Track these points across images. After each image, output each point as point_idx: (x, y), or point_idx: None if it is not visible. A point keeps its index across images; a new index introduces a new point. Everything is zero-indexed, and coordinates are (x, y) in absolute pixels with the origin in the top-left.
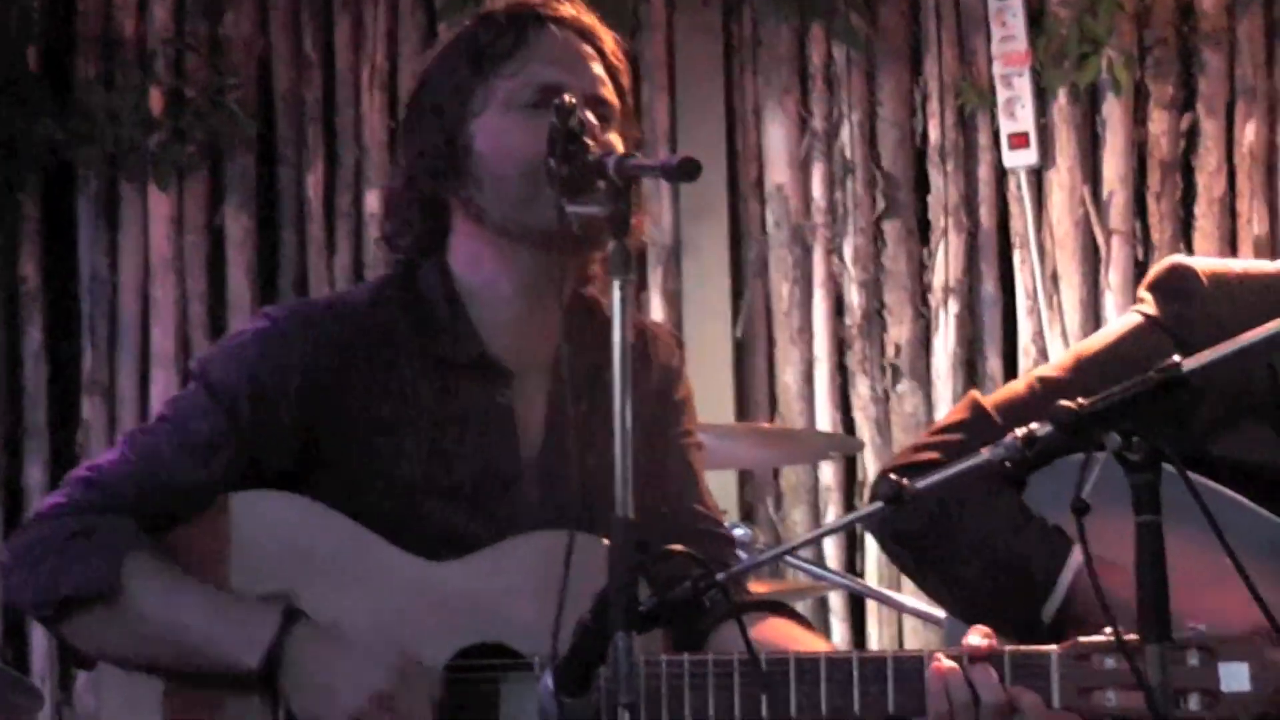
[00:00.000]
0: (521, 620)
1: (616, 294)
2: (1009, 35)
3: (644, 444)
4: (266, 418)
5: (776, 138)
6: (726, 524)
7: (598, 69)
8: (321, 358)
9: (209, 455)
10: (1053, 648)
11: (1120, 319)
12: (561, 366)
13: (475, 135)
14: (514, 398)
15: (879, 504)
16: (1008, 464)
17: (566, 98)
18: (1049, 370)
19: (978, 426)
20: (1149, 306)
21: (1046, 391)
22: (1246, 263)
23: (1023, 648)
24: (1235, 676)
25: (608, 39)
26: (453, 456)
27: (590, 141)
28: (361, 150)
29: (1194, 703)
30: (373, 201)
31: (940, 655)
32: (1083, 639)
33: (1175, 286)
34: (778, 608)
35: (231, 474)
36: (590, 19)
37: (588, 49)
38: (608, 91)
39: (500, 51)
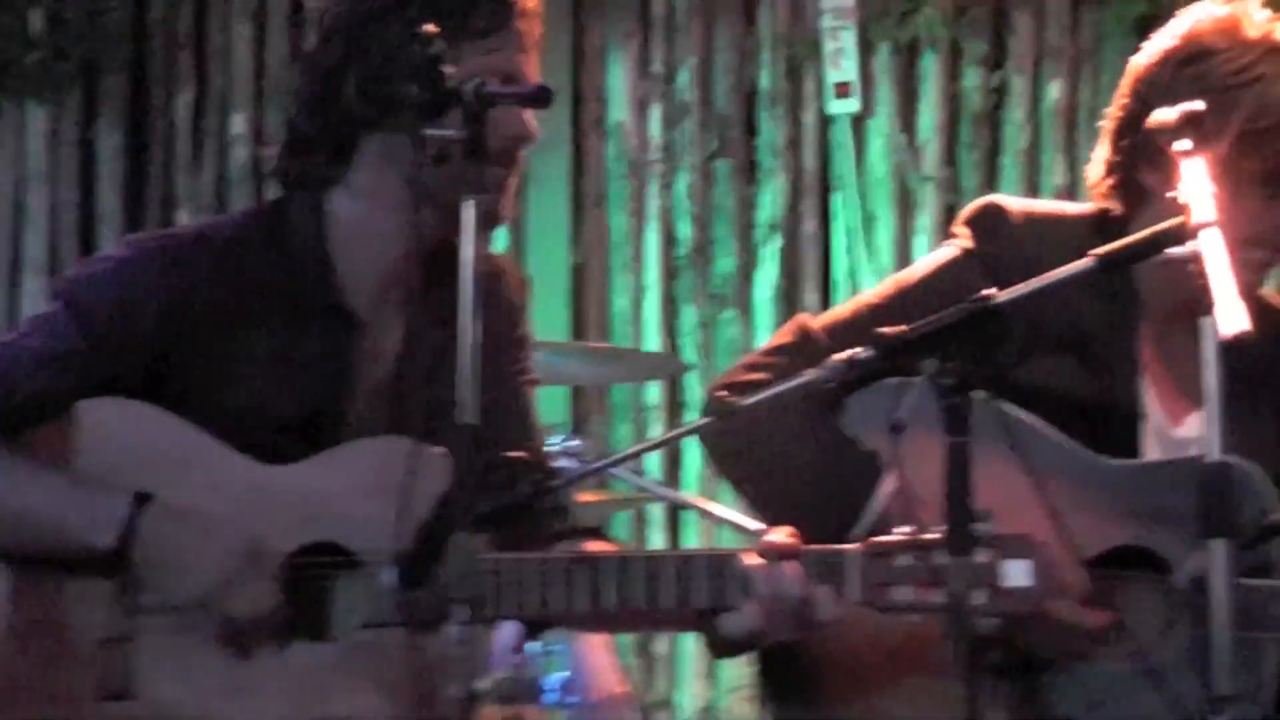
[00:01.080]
0: (357, 520)
1: (470, 213)
2: None
3: (489, 378)
4: (122, 339)
5: (618, 79)
6: (559, 436)
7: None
8: (179, 289)
9: (64, 368)
10: (852, 546)
11: (938, 251)
12: (413, 318)
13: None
14: (361, 342)
15: (707, 419)
16: (830, 384)
17: (427, 27)
18: (871, 297)
19: (804, 349)
20: (965, 240)
21: (869, 317)
22: (1053, 204)
23: (823, 546)
24: (1019, 573)
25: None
26: (285, 393)
27: (448, 70)
28: (229, 77)
29: (980, 596)
30: (238, 123)
31: (748, 553)
32: (880, 538)
33: (989, 223)
34: (596, 534)
35: (84, 387)
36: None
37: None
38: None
39: (478, 27)
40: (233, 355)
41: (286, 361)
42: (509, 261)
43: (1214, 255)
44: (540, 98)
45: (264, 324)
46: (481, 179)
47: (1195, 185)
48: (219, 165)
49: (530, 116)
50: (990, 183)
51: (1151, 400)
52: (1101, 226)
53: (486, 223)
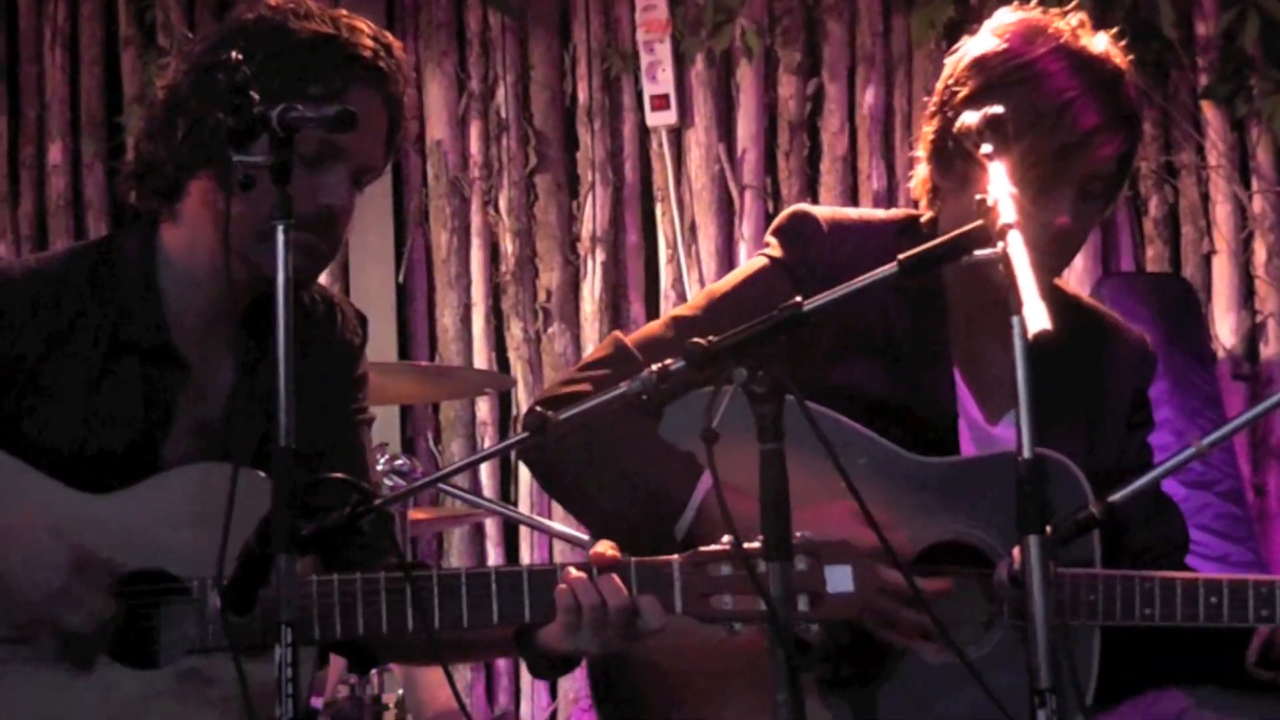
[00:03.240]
0: (180, 546)
1: (280, 237)
2: (650, 5)
3: (323, 414)
4: None
5: (436, 97)
6: (388, 455)
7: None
8: (3, 323)
9: None
10: (674, 558)
11: (748, 262)
12: (238, 351)
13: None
14: (187, 385)
15: (526, 434)
16: (644, 396)
17: (234, 55)
18: (684, 310)
19: (620, 362)
20: (774, 250)
21: (681, 329)
22: (862, 211)
23: (647, 559)
24: (840, 578)
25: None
26: (101, 431)
27: (254, 96)
28: (44, 105)
29: (803, 603)
30: (55, 153)
31: (571, 567)
32: (702, 549)
33: (797, 231)
34: (419, 565)
35: None
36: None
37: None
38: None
39: (314, 93)
40: (51, 391)
41: (104, 399)
42: (346, 301)
43: (1018, 255)
44: (343, 120)
45: (86, 360)
46: (289, 205)
47: (999, 187)
48: (37, 195)
49: (345, 189)
50: (810, 189)
51: (965, 399)
52: (908, 230)
53: (298, 281)
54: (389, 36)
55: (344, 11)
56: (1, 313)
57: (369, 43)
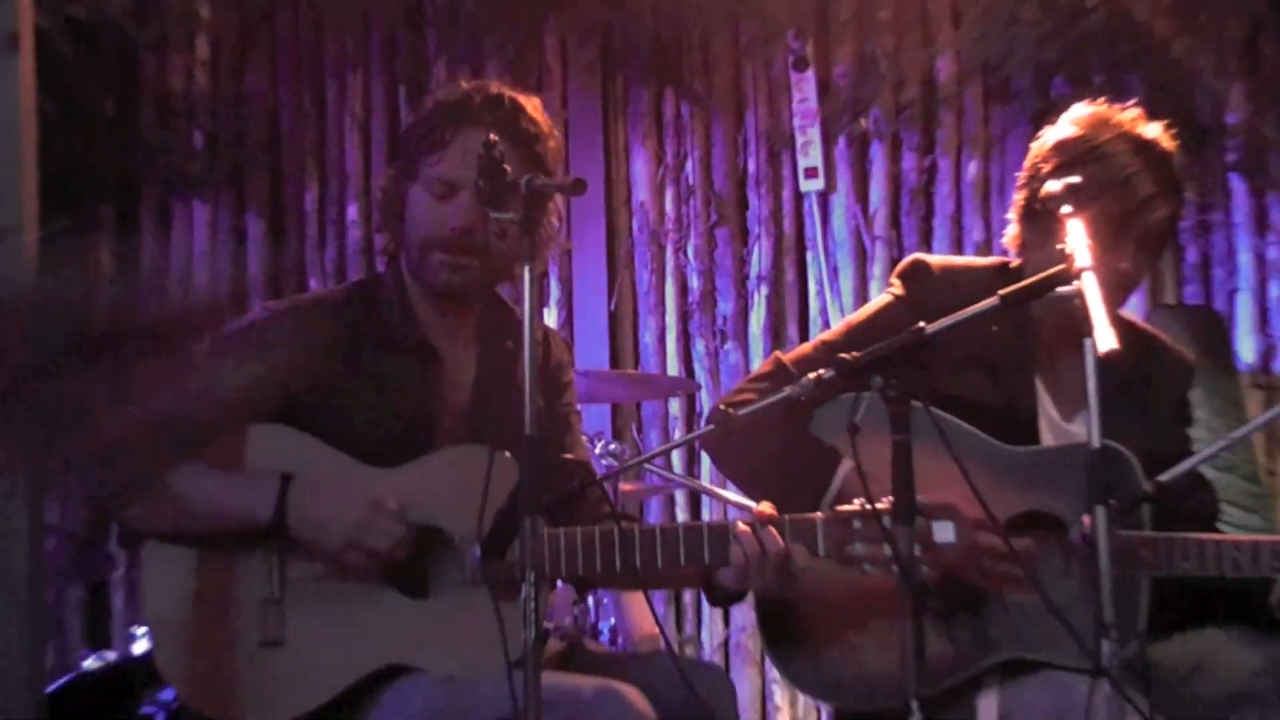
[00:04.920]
0: (445, 509)
1: (526, 276)
2: (804, 98)
3: (545, 411)
4: (264, 380)
5: (640, 168)
6: (603, 442)
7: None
8: (306, 341)
9: (222, 404)
10: (818, 514)
11: (877, 298)
12: (484, 349)
13: (407, 197)
14: (442, 374)
15: (711, 427)
16: (802, 399)
17: (491, 136)
18: (828, 335)
19: (779, 376)
20: (897, 289)
21: (827, 349)
22: (967, 259)
23: (797, 515)
24: (944, 532)
25: (529, 114)
26: (392, 411)
27: (508, 168)
28: (344, 175)
29: (916, 550)
30: (352, 212)
31: (740, 522)
32: (840, 508)
33: (915, 275)
34: (630, 518)
35: (237, 415)
36: (515, 113)
37: (500, 134)
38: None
39: (427, 143)
40: (347, 385)
41: (387, 387)
42: (556, 333)
43: (1091, 292)
44: (576, 187)
45: (369, 362)
46: (536, 249)
47: (1076, 239)
48: (339, 243)
49: (461, 213)
50: (925, 242)
51: (1046, 402)
52: (1003, 273)
53: (451, 289)
54: (519, 96)
55: (480, 83)
56: (314, 330)
57: (487, 103)
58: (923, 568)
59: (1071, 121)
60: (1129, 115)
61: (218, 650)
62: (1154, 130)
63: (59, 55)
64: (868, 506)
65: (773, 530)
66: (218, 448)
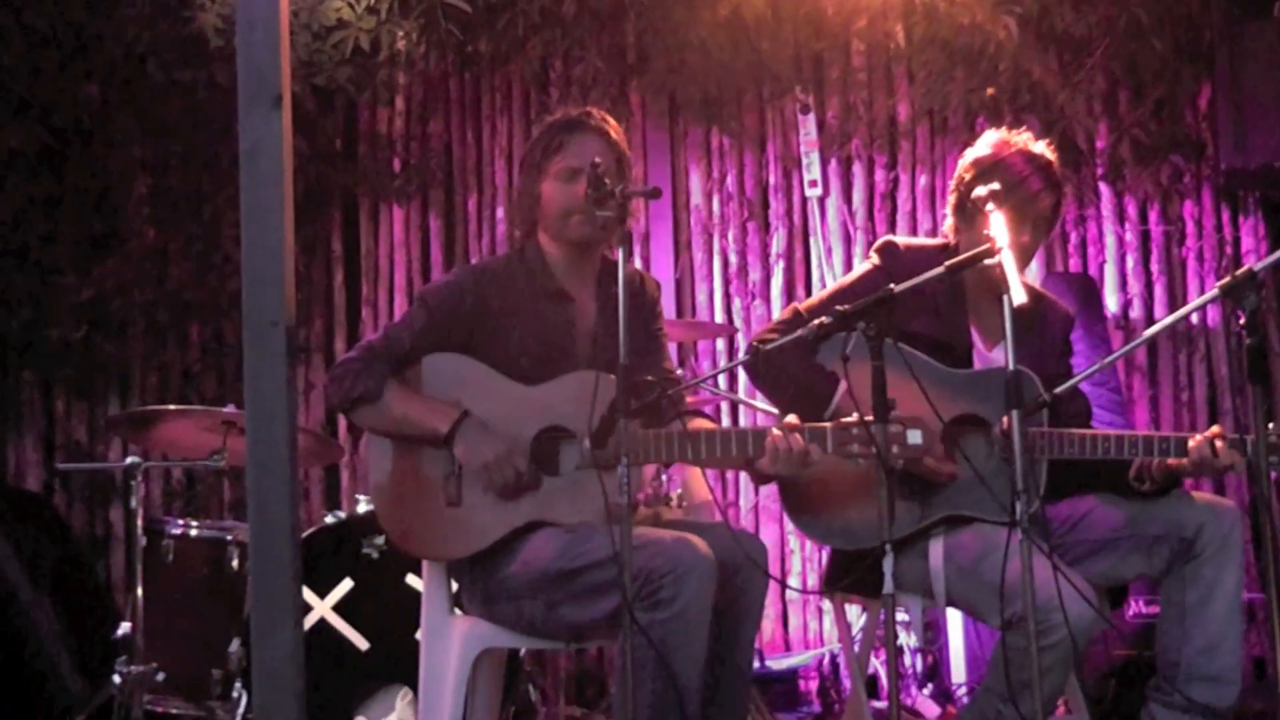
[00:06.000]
0: (571, 414)
1: (621, 255)
2: (808, 132)
3: (640, 330)
4: (451, 321)
5: (695, 182)
6: (675, 365)
7: (605, 153)
8: (480, 290)
9: (419, 335)
10: (827, 424)
11: (860, 266)
12: (602, 293)
13: (541, 189)
14: (574, 310)
15: (746, 357)
16: (810, 338)
17: (595, 159)
18: (826, 292)
19: (796, 320)
20: (875, 260)
21: (828, 301)
22: (922, 239)
23: (813, 423)
24: (914, 437)
25: (613, 133)
26: (539, 339)
27: (607, 180)
28: (495, 187)
29: (895, 449)
30: (499, 213)
31: (773, 428)
32: (842, 419)
33: (887, 250)
34: (700, 414)
35: (431, 346)
36: (602, 123)
37: (600, 142)
38: (609, 164)
39: (552, 147)
40: (508, 322)
41: (538, 320)
42: (649, 276)
43: (1007, 263)
44: (654, 193)
45: (524, 302)
46: (628, 238)
47: (996, 228)
48: (492, 235)
49: (579, 189)
50: (891, 230)
51: (975, 338)
52: (945, 250)
53: (625, 241)
54: (607, 116)
55: (584, 108)
56: (485, 285)
57: (588, 118)
58: (898, 462)
59: (984, 144)
60: (1022, 137)
61: (416, 508)
62: (1039, 146)
63: (306, 110)
64: (861, 418)
65: (797, 435)
66: (414, 368)
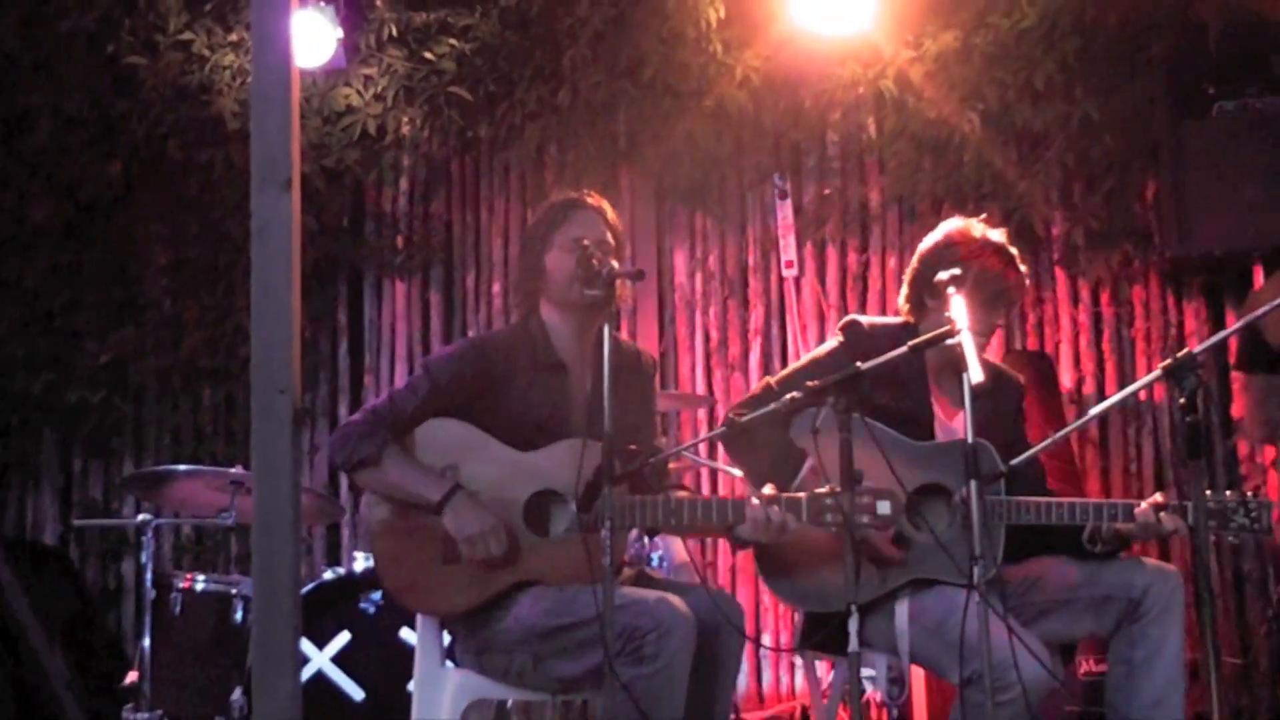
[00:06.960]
0: (561, 478)
1: (607, 331)
2: (785, 216)
3: (635, 406)
4: (454, 389)
5: (680, 261)
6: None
7: (603, 230)
8: (482, 361)
9: (426, 404)
10: (802, 494)
11: (825, 344)
12: (598, 366)
13: (547, 260)
14: (570, 381)
15: (723, 429)
16: (782, 412)
17: (585, 240)
18: (799, 364)
19: (768, 394)
20: (840, 338)
21: (797, 375)
22: (885, 319)
23: (788, 494)
24: (884, 506)
25: (609, 212)
26: (536, 408)
27: (595, 261)
28: (492, 264)
29: (864, 519)
30: (496, 288)
31: (752, 497)
32: (816, 490)
33: (851, 329)
34: (682, 487)
35: (434, 412)
36: (599, 204)
37: (599, 220)
38: (607, 239)
39: (556, 221)
40: (507, 391)
41: (534, 393)
42: (646, 353)
43: (966, 343)
44: (638, 275)
45: (522, 373)
46: (615, 316)
47: (956, 309)
48: (488, 309)
49: (572, 261)
50: (862, 308)
51: (937, 409)
52: (907, 329)
53: (613, 321)
54: (603, 200)
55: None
56: (487, 356)
57: (587, 198)
58: (869, 529)
59: (945, 232)
60: (980, 225)
61: (414, 566)
62: (997, 234)
63: (315, 188)
64: (833, 489)
65: (775, 505)
66: (413, 434)
